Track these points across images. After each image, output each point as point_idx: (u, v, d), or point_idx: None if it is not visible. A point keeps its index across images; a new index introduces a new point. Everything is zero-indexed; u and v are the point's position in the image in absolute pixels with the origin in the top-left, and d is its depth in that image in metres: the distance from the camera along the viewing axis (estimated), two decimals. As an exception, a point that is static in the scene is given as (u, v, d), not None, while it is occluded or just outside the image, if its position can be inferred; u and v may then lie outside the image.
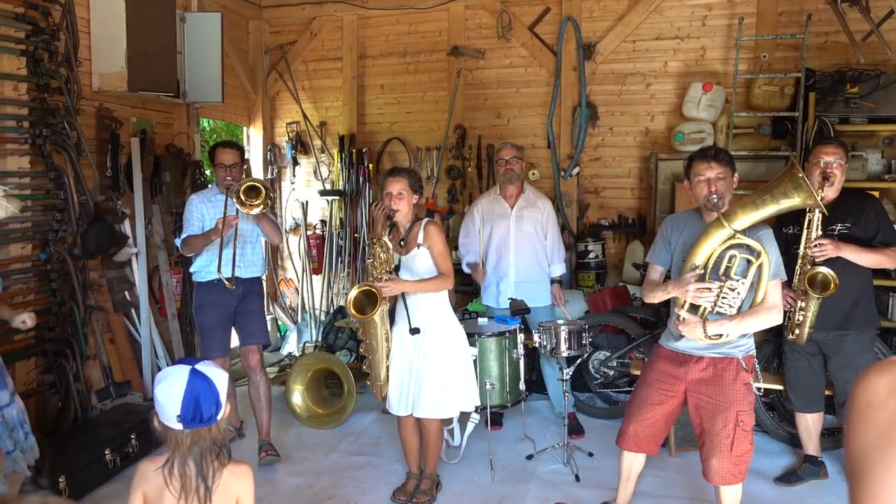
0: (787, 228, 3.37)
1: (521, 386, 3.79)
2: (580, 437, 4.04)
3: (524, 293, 4.12)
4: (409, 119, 5.93)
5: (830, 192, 3.20)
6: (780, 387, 3.95)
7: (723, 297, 2.55)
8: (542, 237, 4.20)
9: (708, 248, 2.55)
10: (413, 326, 3.08)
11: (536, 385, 4.87)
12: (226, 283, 3.52)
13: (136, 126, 4.61)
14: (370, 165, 5.86)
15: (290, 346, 6.03)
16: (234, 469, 1.80)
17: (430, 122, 5.85)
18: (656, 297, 2.75)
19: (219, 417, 1.74)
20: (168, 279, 4.86)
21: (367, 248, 3.25)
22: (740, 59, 4.77)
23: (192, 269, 3.82)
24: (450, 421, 3.64)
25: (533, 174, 5.58)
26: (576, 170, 5.41)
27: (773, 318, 2.59)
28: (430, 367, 3.09)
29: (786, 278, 2.67)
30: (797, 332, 3.26)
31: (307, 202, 6.12)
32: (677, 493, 3.35)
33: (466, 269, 4.35)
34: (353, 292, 3.00)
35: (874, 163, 4.50)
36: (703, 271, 2.57)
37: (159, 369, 4.65)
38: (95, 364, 4.22)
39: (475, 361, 3.58)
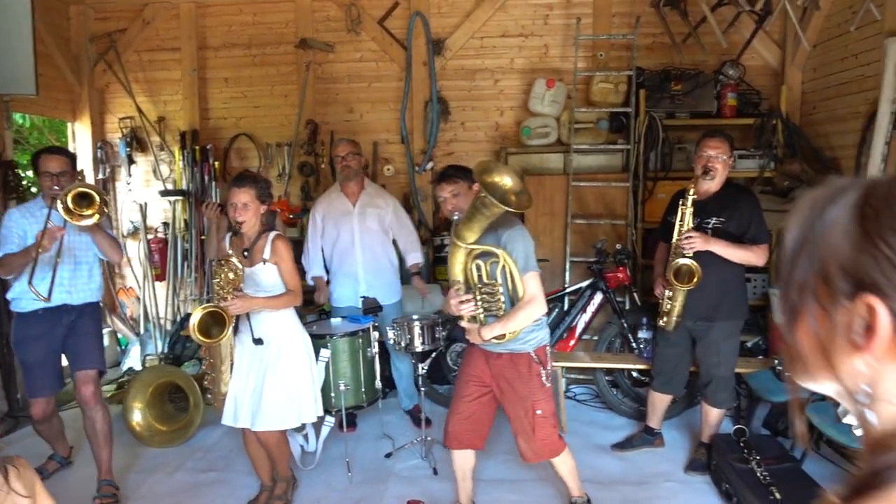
0: (671, 218, 3.40)
1: (377, 384, 3.73)
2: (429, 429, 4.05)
3: (373, 291, 4.07)
4: (257, 114, 5.66)
5: (709, 186, 3.25)
6: (621, 366, 4.20)
7: (486, 303, 2.70)
8: (387, 234, 4.18)
9: (458, 265, 2.70)
10: (256, 337, 2.92)
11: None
12: (37, 293, 2.98)
13: (-73, 120, 4.01)
14: (216, 163, 5.53)
15: (133, 360, 5.56)
16: (15, 472, 1.67)
17: (279, 118, 5.63)
18: (449, 311, 2.85)
19: None
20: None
21: (212, 267, 3.00)
22: (579, 57, 5.00)
23: (9, 296, 3.27)
24: (303, 427, 3.50)
25: (388, 169, 5.53)
26: (430, 165, 5.42)
27: (536, 310, 2.67)
28: (274, 379, 2.95)
29: (538, 270, 2.70)
30: (666, 319, 3.42)
31: (146, 204, 5.66)
32: (529, 476, 3.44)
33: (310, 282, 4.22)
34: (198, 314, 2.80)
35: (697, 154, 4.89)
36: (462, 285, 2.71)
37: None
38: None
39: (328, 364, 3.48)
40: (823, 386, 0.66)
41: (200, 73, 5.59)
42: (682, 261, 3.22)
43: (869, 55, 3.95)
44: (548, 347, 2.85)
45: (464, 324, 2.75)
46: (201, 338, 2.81)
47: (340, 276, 4.15)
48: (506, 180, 2.55)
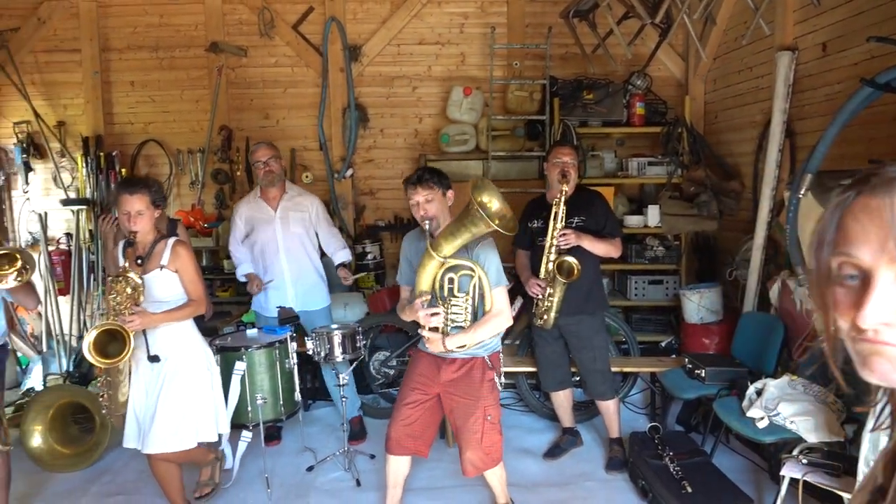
0: (531, 223, 3.64)
1: (297, 396, 3.64)
2: (360, 442, 4.00)
3: (301, 298, 4.00)
4: (166, 119, 5.44)
5: (568, 188, 3.50)
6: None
7: (454, 314, 2.76)
8: (312, 237, 4.10)
9: (428, 276, 2.74)
10: (152, 354, 2.79)
11: (321, 392, 4.75)
12: None
13: None
14: (122, 170, 5.27)
15: (34, 380, 5.21)
16: None
17: (191, 123, 5.43)
18: (407, 318, 2.91)
19: None
20: None
21: (107, 283, 2.84)
22: (495, 65, 5.08)
23: None
24: (218, 443, 3.37)
25: (307, 176, 5.44)
26: (349, 172, 5.37)
27: (502, 323, 2.80)
28: (168, 397, 2.81)
29: (508, 284, 2.85)
30: (545, 317, 3.54)
31: (46, 214, 5.31)
32: (451, 483, 3.45)
33: (242, 279, 4.09)
34: (93, 334, 2.63)
35: (609, 161, 5.08)
36: (430, 296, 2.75)
37: None
38: None
39: (243, 377, 3.37)
40: None
41: (103, 76, 5.32)
42: (565, 257, 3.38)
43: (763, 68, 4.21)
44: (500, 353, 2.92)
45: (425, 333, 2.76)
46: (98, 358, 2.64)
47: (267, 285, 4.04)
48: (494, 203, 2.59)
